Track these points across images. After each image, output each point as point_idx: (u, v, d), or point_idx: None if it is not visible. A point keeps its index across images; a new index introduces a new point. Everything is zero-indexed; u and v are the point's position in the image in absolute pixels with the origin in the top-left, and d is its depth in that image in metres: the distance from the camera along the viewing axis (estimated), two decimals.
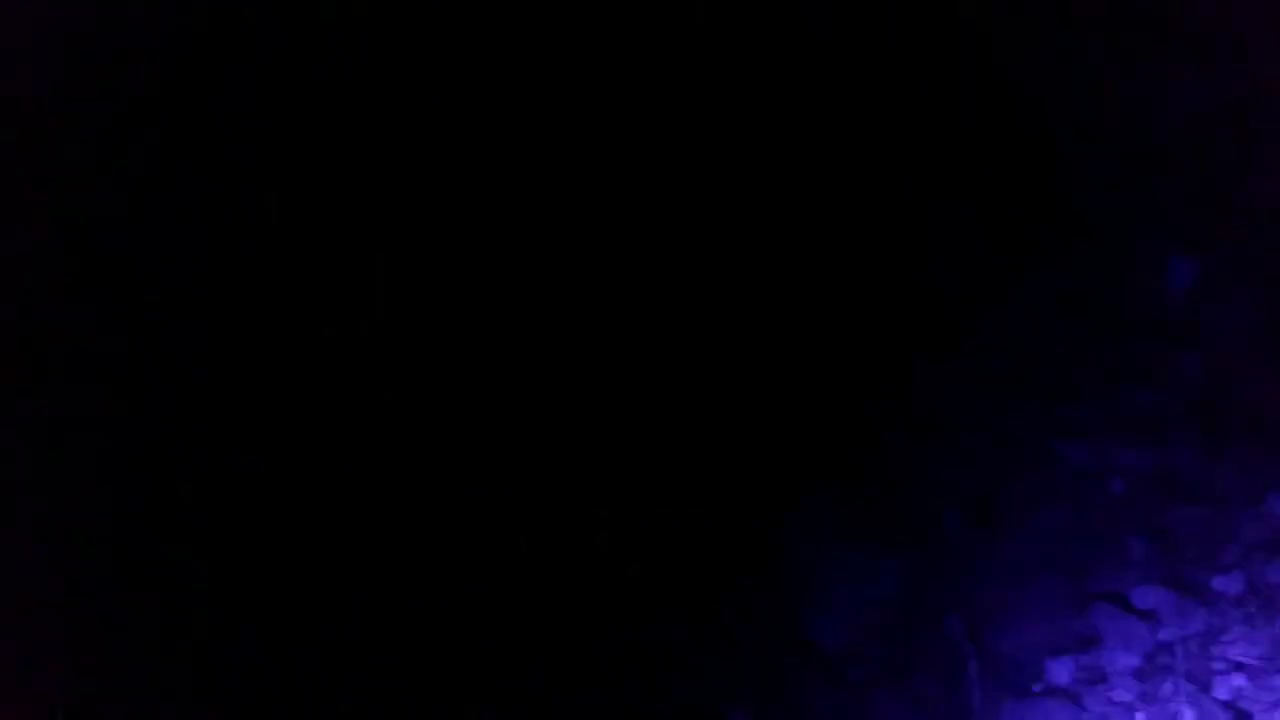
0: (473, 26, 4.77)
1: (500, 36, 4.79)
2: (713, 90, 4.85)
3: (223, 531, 4.62)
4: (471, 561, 4.64)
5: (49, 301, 4.51)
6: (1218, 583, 4.57)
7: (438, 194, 4.79)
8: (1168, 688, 4.46)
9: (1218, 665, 4.50)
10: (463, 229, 4.80)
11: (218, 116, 4.58)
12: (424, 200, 4.78)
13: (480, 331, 4.77)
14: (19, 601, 4.48)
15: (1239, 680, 4.50)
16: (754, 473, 4.67)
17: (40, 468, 4.53)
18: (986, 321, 4.81)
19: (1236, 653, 4.52)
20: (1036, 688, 4.51)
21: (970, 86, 4.88)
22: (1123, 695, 4.49)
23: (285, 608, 4.64)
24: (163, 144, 4.58)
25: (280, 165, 4.67)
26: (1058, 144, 4.91)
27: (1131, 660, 4.51)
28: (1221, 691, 4.56)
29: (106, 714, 4.52)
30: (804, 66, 4.86)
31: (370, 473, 4.70)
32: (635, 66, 4.81)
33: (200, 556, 4.60)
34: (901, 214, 4.83)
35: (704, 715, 4.49)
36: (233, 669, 4.59)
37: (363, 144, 4.74)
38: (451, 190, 4.79)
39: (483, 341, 4.77)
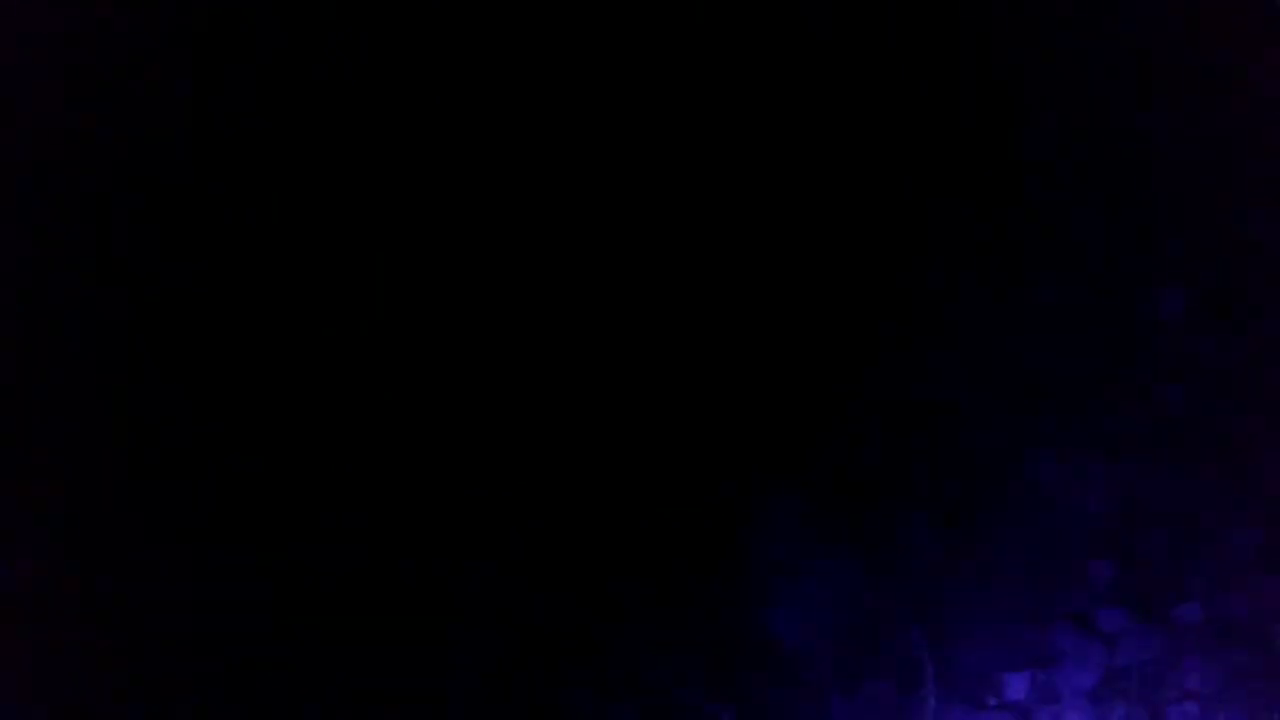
0: (472, 27, 4.82)
1: (500, 36, 4.83)
2: (712, 89, 4.85)
3: (222, 531, 4.82)
4: (432, 564, 4.79)
5: (48, 302, 4.74)
6: (1179, 610, 4.60)
7: (437, 194, 4.88)
8: (1120, 711, 4.51)
9: (1172, 693, 4.54)
10: (461, 228, 4.89)
11: (218, 116, 4.73)
12: (424, 200, 4.88)
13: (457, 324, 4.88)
14: (18, 601, 4.76)
15: (1192, 709, 4.53)
16: (719, 469, 4.75)
17: (39, 467, 4.78)
18: (965, 330, 4.81)
19: (1192, 682, 4.55)
20: (991, 701, 4.59)
21: (970, 86, 4.82)
22: (1075, 716, 4.56)
23: (283, 608, 4.84)
24: (161, 144, 4.75)
25: (279, 165, 4.79)
26: (1051, 155, 4.86)
27: (1087, 681, 4.56)
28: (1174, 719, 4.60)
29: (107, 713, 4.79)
30: (804, 66, 4.83)
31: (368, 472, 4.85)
32: (634, 65, 4.84)
33: (198, 556, 4.82)
34: (899, 214, 4.82)
35: (660, 707, 4.65)
36: (231, 668, 4.81)
37: (363, 144, 4.84)
38: (450, 190, 4.88)
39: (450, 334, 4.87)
